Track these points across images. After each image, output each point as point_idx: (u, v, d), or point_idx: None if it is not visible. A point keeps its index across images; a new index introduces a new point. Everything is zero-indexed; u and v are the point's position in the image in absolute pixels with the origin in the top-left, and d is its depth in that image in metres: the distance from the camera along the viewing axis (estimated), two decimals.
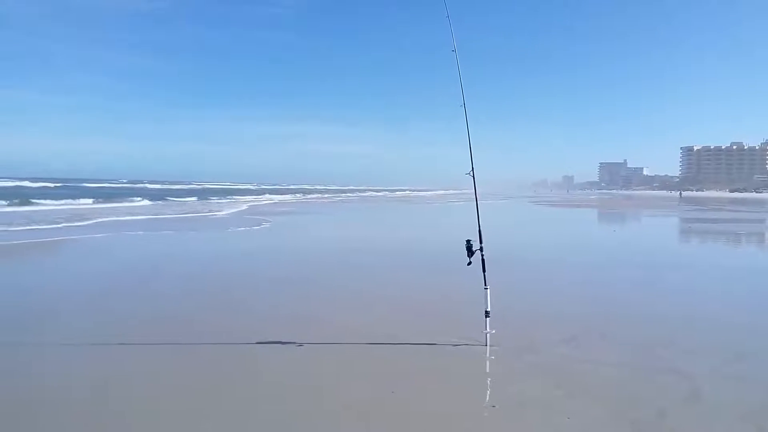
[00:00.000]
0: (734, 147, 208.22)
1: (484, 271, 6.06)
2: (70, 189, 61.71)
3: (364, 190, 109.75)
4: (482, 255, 6.05)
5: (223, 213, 31.28)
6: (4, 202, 32.74)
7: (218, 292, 9.17)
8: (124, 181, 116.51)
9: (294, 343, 6.14)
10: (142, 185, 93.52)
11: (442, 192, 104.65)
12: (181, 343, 6.28)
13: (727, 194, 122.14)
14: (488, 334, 5.97)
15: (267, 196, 64.19)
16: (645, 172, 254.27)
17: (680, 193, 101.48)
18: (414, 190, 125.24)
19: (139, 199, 45.71)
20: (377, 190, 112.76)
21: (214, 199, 51.80)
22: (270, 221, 25.20)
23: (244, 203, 44.76)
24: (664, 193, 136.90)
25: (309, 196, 69.85)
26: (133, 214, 27.48)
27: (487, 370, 5.58)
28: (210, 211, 32.42)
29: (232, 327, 6.89)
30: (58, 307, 8.09)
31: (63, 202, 37.64)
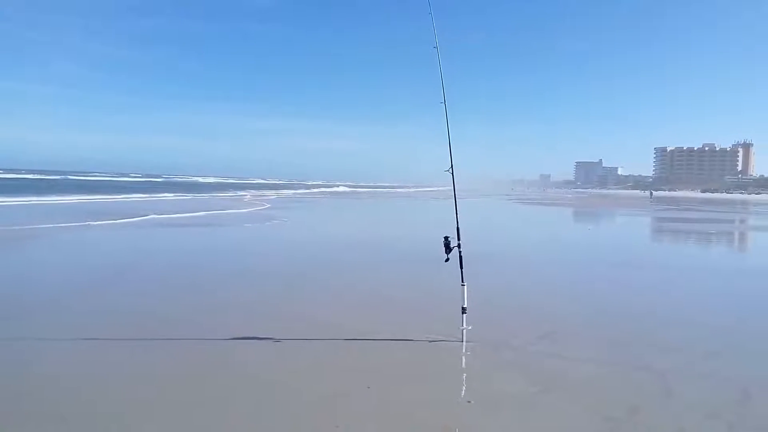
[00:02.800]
0: (706, 148, 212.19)
1: (461, 267, 6.07)
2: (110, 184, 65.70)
3: (348, 186, 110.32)
4: (460, 251, 6.07)
5: (253, 209, 30.68)
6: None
7: (203, 287, 9.08)
8: (108, 174, 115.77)
9: (270, 338, 6.09)
10: (141, 179, 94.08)
11: (426, 189, 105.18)
12: (159, 338, 6.19)
13: (698, 194, 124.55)
14: (465, 330, 5.99)
15: (263, 191, 64.73)
16: (620, 172, 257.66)
17: (651, 193, 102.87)
18: (397, 187, 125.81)
19: (171, 194, 46.99)
20: (360, 186, 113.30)
21: (230, 194, 53.62)
22: (285, 218, 24.99)
23: (265, 198, 44.95)
24: (636, 192, 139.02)
25: (301, 192, 70.18)
26: (184, 212, 25.97)
27: (463, 366, 5.60)
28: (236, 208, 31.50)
29: (209, 323, 6.82)
30: (53, 300, 7.94)
31: (120, 196, 38.57)
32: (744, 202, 74.20)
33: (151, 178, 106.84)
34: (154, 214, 23.27)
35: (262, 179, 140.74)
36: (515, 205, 49.67)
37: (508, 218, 33.12)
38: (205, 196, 48.47)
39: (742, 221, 34.17)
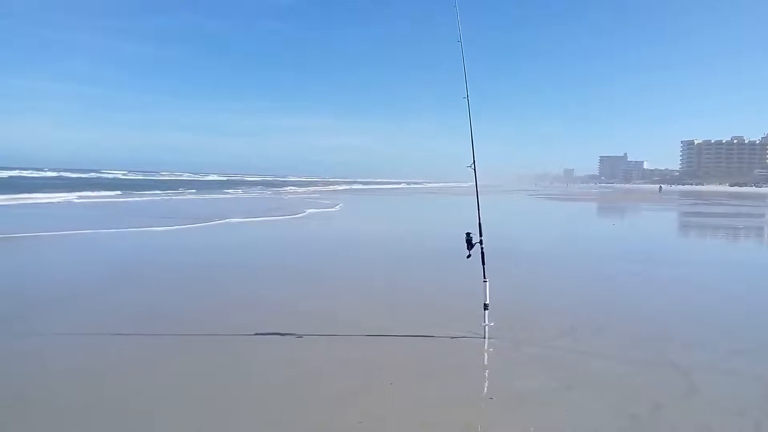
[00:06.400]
0: (735, 141, 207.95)
1: (483, 263, 6.06)
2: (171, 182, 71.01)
3: (366, 183, 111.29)
4: (482, 248, 6.05)
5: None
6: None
7: (227, 283, 9.19)
8: (132, 171, 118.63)
9: (292, 334, 6.15)
10: (166, 177, 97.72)
11: (442, 185, 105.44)
12: (181, 334, 6.28)
13: (726, 188, 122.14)
14: (487, 327, 5.99)
15: (294, 188, 68.77)
16: (645, 166, 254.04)
17: (660, 188, 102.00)
18: (413, 183, 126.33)
19: (238, 190, 54.33)
20: (376, 183, 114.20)
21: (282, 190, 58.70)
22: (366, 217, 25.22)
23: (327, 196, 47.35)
24: (649, 186, 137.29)
25: (339, 189, 73.12)
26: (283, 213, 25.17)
27: (486, 363, 5.60)
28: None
29: (230, 319, 6.90)
30: (67, 295, 8.12)
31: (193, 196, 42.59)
32: None
33: (172, 175, 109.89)
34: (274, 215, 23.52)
35: (293, 177, 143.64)
36: (538, 201, 49.27)
37: (530, 214, 32.86)
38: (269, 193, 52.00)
39: (757, 216, 33.44)
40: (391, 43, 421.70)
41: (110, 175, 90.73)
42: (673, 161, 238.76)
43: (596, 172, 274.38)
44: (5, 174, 66.31)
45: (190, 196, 41.81)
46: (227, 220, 20.16)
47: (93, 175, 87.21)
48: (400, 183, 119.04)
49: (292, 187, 68.95)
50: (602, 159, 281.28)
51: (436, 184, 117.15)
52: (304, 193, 54.83)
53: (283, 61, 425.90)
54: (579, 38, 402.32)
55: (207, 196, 40.76)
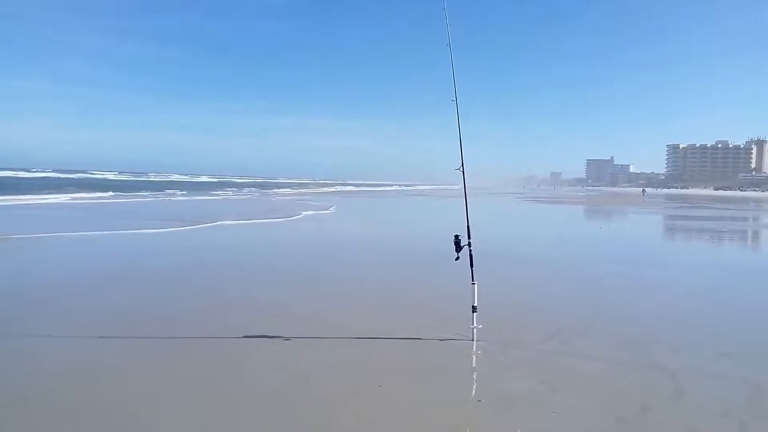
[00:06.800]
0: (719, 145, 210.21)
1: (471, 266, 6.07)
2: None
3: (358, 185, 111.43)
4: (470, 250, 6.06)
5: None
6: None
7: (221, 286, 9.13)
8: (125, 173, 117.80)
9: (281, 337, 6.12)
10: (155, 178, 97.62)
11: (433, 187, 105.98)
12: (175, 336, 6.24)
13: (711, 192, 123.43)
14: (475, 329, 5.99)
15: (287, 190, 69.76)
16: (632, 169, 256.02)
17: (643, 191, 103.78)
18: (408, 185, 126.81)
19: (228, 192, 55.93)
20: (367, 185, 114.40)
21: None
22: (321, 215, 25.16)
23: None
24: (635, 189, 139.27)
25: (334, 191, 73.55)
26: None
27: (474, 365, 5.60)
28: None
29: (220, 322, 6.85)
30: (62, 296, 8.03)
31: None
32: (757, 200, 73.40)
33: (160, 176, 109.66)
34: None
35: (283, 178, 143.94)
36: (526, 203, 49.51)
37: (518, 217, 33.02)
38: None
39: (729, 219, 33.81)
40: (391, 43, 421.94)
41: (99, 176, 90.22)
42: (658, 165, 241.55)
43: (583, 175, 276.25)
44: None
45: (181, 197, 41.81)
46: (218, 223, 20.02)
47: (81, 175, 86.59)
48: (392, 185, 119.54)
49: (282, 189, 69.23)
50: (589, 162, 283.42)
51: (427, 187, 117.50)
52: (294, 195, 54.60)
53: (283, 61, 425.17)
54: (568, 40, 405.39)
55: (195, 198, 40.66)
